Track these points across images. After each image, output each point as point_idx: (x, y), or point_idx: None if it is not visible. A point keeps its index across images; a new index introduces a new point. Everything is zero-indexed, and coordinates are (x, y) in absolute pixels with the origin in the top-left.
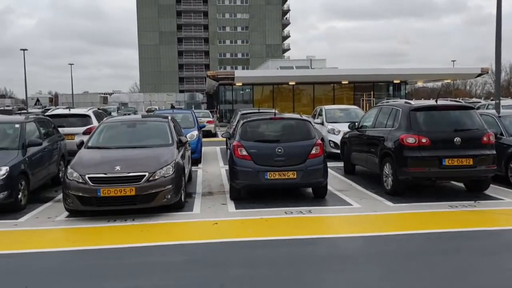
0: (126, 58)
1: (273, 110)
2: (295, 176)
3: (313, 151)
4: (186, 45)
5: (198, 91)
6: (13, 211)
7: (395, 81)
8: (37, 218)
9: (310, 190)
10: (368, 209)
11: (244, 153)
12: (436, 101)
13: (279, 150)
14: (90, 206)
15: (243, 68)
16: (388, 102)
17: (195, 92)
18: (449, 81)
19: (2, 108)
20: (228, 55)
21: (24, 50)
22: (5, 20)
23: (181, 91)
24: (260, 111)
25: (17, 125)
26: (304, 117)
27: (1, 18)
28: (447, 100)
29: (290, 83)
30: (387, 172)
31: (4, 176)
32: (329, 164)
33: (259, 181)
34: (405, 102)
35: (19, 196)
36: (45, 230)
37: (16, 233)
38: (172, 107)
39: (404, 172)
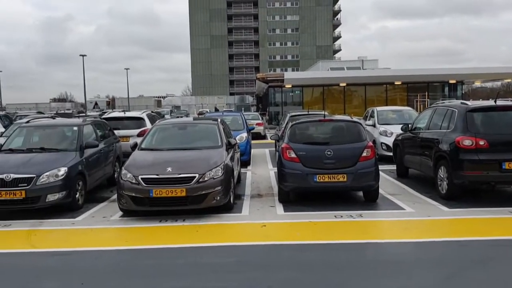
0: (179, 62)
1: (323, 112)
2: (345, 179)
3: (364, 154)
4: (236, 48)
5: (248, 94)
6: (70, 210)
7: (451, 81)
8: (93, 217)
9: (360, 193)
10: (422, 214)
11: (293, 155)
12: (495, 101)
13: (329, 153)
14: (143, 206)
15: (293, 70)
16: (443, 103)
17: (245, 94)
18: (509, 80)
19: (62, 111)
20: (278, 57)
21: (83, 56)
22: (66, 28)
23: (232, 94)
24: (310, 113)
25: (75, 128)
26: (355, 118)
27: (62, 26)
28: (508, 100)
29: (341, 85)
30: (442, 176)
31: (63, 177)
32: (381, 167)
33: (308, 183)
34: (461, 103)
35: (77, 196)
36: (101, 229)
37: (73, 231)
38: (216, 109)
39: (460, 176)
